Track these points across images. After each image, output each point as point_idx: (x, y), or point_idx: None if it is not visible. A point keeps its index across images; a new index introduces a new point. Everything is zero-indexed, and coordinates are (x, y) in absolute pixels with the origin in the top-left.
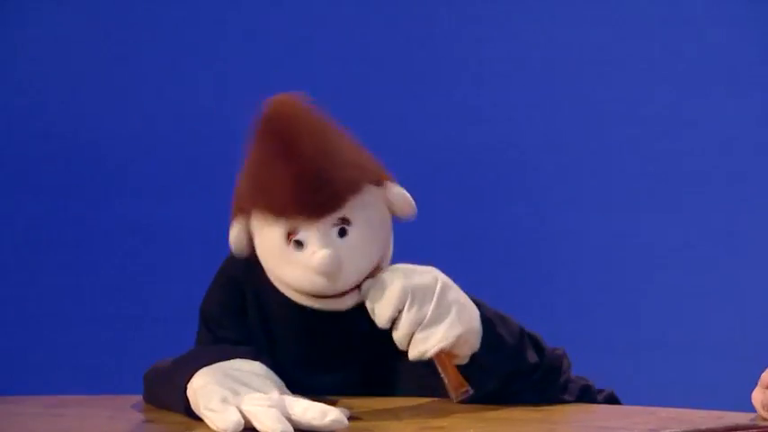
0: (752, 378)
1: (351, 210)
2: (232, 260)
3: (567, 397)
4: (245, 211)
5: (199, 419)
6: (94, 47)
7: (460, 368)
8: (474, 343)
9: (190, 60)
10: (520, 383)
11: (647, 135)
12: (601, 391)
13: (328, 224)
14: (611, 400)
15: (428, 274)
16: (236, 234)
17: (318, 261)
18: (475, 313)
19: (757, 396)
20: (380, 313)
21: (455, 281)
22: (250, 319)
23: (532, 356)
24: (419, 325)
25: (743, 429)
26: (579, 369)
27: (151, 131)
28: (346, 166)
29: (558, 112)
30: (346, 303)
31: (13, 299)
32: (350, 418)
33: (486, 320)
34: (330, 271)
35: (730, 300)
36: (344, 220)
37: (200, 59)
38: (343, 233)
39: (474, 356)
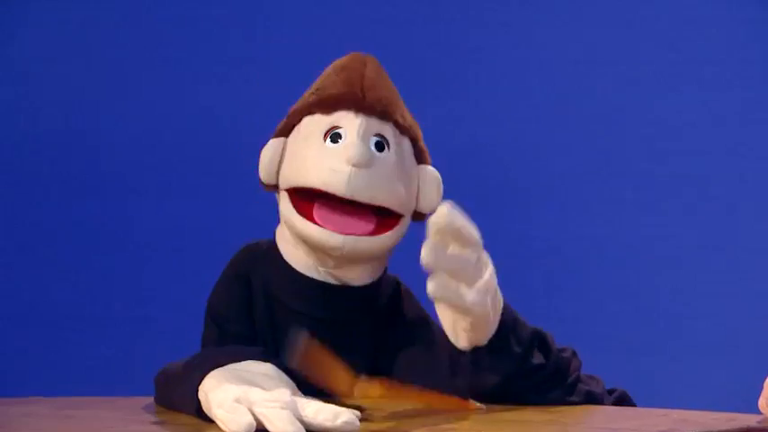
0: (763, 381)
1: (392, 137)
2: (239, 255)
3: (573, 398)
4: (290, 129)
5: (210, 421)
6: (97, 46)
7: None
8: (481, 336)
9: (194, 60)
10: (521, 384)
11: (657, 136)
12: (612, 390)
13: (370, 128)
14: (623, 399)
15: None
16: (270, 150)
17: (351, 149)
18: (498, 312)
19: (763, 402)
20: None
21: None
22: (256, 311)
23: (538, 359)
24: (461, 269)
25: (754, 431)
26: (591, 370)
27: (156, 131)
28: (402, 105)
29: (565, 114)
30: (360, 276)
31: (23, 300)
32: (361, 420)
33: (501, 323)
34: (360, 160)
35: (743, 301)
36: (384, 139)
37: (203, 60)
38: (380, 147)
39: (476, 353)
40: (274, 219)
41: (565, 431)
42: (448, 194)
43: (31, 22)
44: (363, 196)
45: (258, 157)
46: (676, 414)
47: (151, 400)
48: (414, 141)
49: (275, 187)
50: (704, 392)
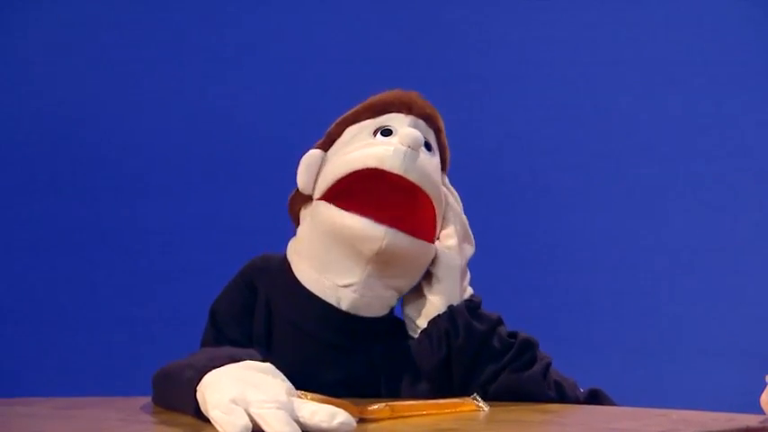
0: (763, 380)
1: (434, 146)
2: (251, 265)
3: (548, 392)
4: (330, 141)
5: (208, 421)
6: (103, 47)
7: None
8: (448, 297)
9: (201, 61)
10: (485, 362)
11: (657, 137)
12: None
13: (419, 128)
14: (596, 396)
15: None
16: (309, 160)
17: (407, 131)
18: (465, 289)
19: (765, 399)
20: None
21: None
22: (256, 323)
23: (502, 338)
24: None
25: (753, 431)
26: (591, 371)
27: (164, 133)
28: (444, 131)
29: (568, 115)
30: (373, 308)
31: (23, 301)
32: (358, 421)
33: (467, 300)
34: (417, 143)
35: (742, 302)
36: (428, 143)
37: (207, 59)
38: (428, 147)
39: (436, 320)
40: (276, 219)
41: (565, 431)
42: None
43: (34, 20)
44: (415, 176)
45: (251, 159)
46: (676, 414)
47: (149, 400)
48: (443, 163)
49: (308, 200)
50: (703, 392)
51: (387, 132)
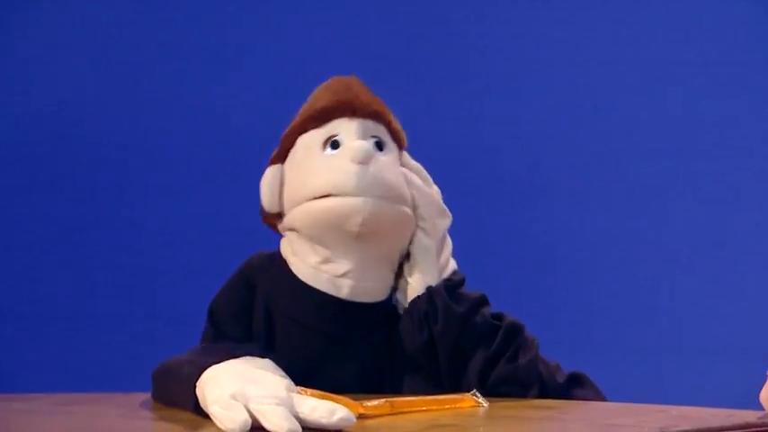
0: (762, 376)
1: (387, 139)
2: (249, 262)
3: (539, 379)
4: (284, 154)
5: (208, 417)
6: (103, 46)
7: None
8: (428, 277)
9: (200, 60)
10: (472, 345)
11: (660, 136)
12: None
13: (367, 131)
14: (577, 380)
15: None
16: (269, 179)
17: (354, 147)
18: (446, 267)
19: (765, 395)
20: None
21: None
22: (255, 320)
23: (484, 315)
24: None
25: (753, 427)
26: (590, 368)
27: (161, 130)
28: (393, 114)
29: (569, 113)
30: (372, 291)
31: (23, 297)
32: (358, 417)
33: (447, 280)
34: (364, 156)
35: (740, 299)
36: (381, 140)
37: (208, 58)
38: (379, 147)
39: (417, 301)
40: None
41: (565, 427)
42: (447, 192)
43: (33, 19)
44: (372, 191)
45: (251, 157)
46: (675, 410)
47: (149, 396)
48: (399, 143)
49: (278, 216)
50: (703, 389)
51: (335, 144)
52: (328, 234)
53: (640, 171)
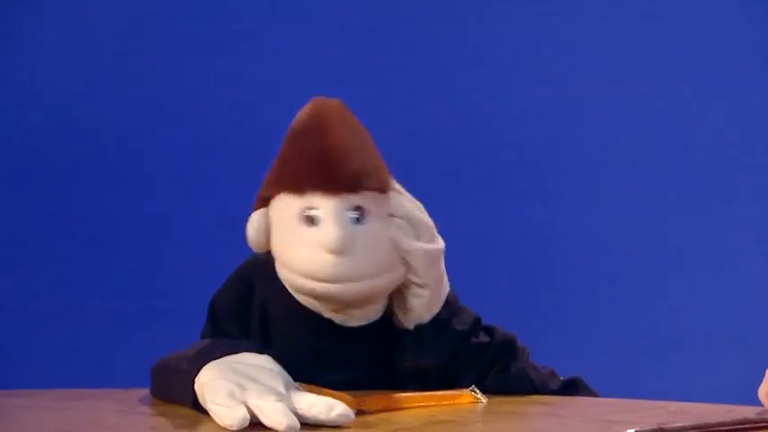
0: (761, 372)
1: (370, 202)
2: (250, 261)
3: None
4: (267, 199)
5: (206, 413)
6: (105, 41)
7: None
8: (424, 311)
9: (202, 54)
10: (463, 361)
11: (659, 133)
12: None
13: (345, 206)
14: (572, 385)
15: None
16: (255, 224)
17: (329, 236)
18: (444, 293)
19: (763, 391)
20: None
21: (465, 280)
22: (252, 318)
23: (481, 338)
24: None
25: (752, 423)
26: (588, 364)
27: (160, 126)
28: (375, 162)
29: (568, 110)
30: (361, 318)
31: (22, 294)
32: (356, 413)
33: (445, 303)
34: (340, 248)
35: (739, 295)
36: (361, 210)
37: (210, 54)
38: (358, 220)
39: (418, 329)
40: None
41: (563, 423)
42: (447, 189)
43: (35, 14)
44: (350, 277)
45: (251, 155)
46: (674, 406)
47: (147, 392)
48: (384, 183)
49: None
50: (702, 384)
51: (311, 220)
52: (309, 299)
53: (640, 167)
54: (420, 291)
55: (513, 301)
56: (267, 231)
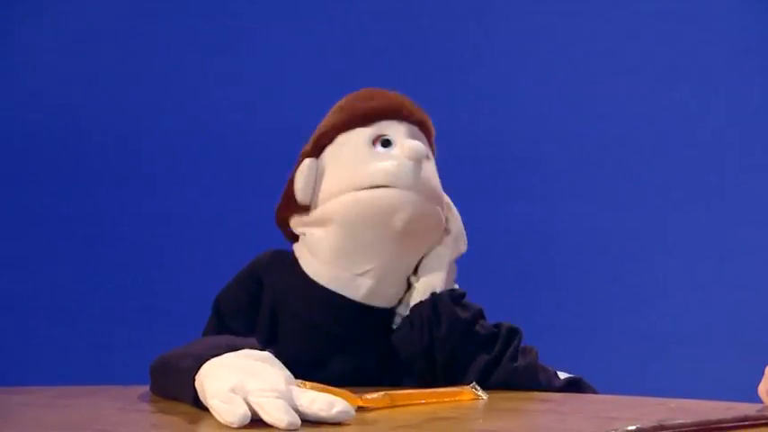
0: (761, 370)
1: (428, 150)
2: (260, 258)
3: (541, 381)
4: (320, 148)
5: (207, 410)
6: (105, 40)
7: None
8: (433, 284)
9: (202, 54)
10: (473, 350)
11: (660, 131)
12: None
13: (415, 136)
14: (574, 384)
15: None
16: (305, 171)
17: (411, 144)
18: (452, 277)
19: (763, 388)
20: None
21: (465, 279)
22: (261, 316)
23: (487, 327)
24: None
25: (752, 420)
26: (589, 361)
27: (162, 125)
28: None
29: (568, 109)
30: (386, 297)
31: (22, 290)
32: (357, 410)
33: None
34: (421, 154)
35: (739, 292)
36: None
37: (210, 54)
38: (426, 156)
39: (434, 299)
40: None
41: (564, 420)
42: (447, 188)
43: (32, 11)
44: (426, 189)
45: (253, 152)
46: (674, 403)
47: (147, 389)
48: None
49: (303, 210)
50: (702, 381)
51: (386, 143)
52: (368, 227)
53: (641, 166)
54: (444, 250)
55: (513, 299)
56: (314, 182)
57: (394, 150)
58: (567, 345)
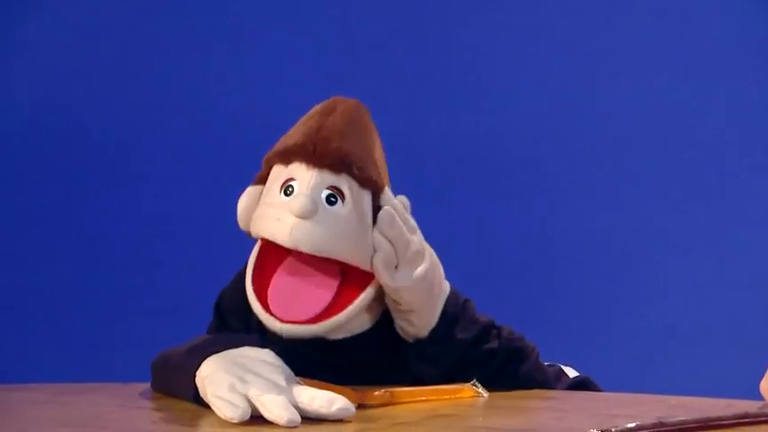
0: (761, 367)
1: (348, 189)
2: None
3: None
4: (264, 177)
5: (207, 407)
6: (105, 40)
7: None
8: (420, 327)
9: (202, 54)
10: (470, 370)
11: (659, 130)
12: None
13: (322, 181)
14: (581, 385)
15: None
16: (244, 199)
17: (295, 201)
18: (439, 305)
19: (765, 385)
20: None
21: (466, 277)
22: (253, 315)
23: (488, 346)
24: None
25: (752, 417)
26: (589, 358)
27: (162, 124)
28: (370, 157)
29: (566, 106)
30: (351, 330)
31: (22, 287)
32: (357, 407)
33: (442, 314)
34: (303, 212)
35: (740, 290)
36: (339, 192)
37: (210, 54)
38: (331, 201)
39: (418, 343)
40: None
41: (564, 417)
42: (447, 187)
43: (32, 8)
44: (306, 246)
45: (254, 149)
46: (674, 400)
47: (148, 386)
48: (375, 195)
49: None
50: (703, 379)
51: (288, 189)
52: None
53: (641, 165)
54: (408, 315)
55: (513, 296)
56: (252, 210)
57: (288, 202)
58: (567, 342)
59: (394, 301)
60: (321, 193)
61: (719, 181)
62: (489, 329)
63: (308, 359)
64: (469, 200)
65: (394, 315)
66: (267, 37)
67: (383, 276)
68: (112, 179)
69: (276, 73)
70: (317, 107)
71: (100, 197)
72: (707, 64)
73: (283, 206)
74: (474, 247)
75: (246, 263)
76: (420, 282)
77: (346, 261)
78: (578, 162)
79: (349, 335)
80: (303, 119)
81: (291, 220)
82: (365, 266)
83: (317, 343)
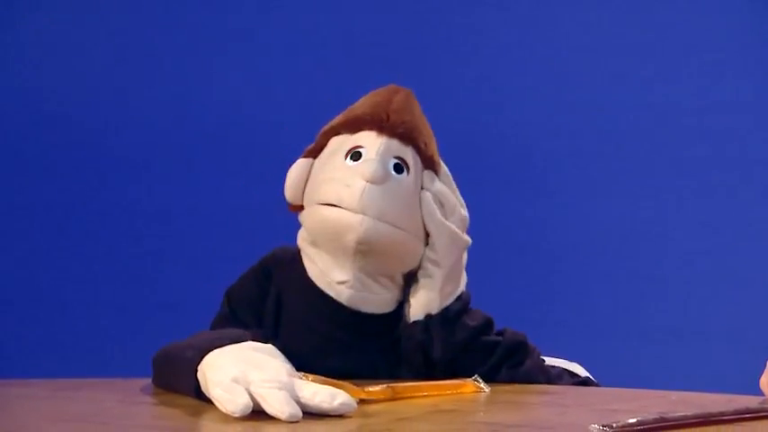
0: (762, 363)
1: (413, 162)
2: (270, 254)
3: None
4: (318, 148)
5: (209, 402)
6: (106, 37)
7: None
8: (434, 298)
9: (202, 54)
10: (473, 358)
11: (658, 128)
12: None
13: (390, 150)
14: (583, 384)
15: None
16: (294, 171)
17: (368, 166)
18: (459, 287)
19: (765, 381)
20: None
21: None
22: (266, 311)
23: (492, 336)
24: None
25: (753, 413)
26: (590, 353)
27: (163, 122)
28: (429, 136)
29: (566, 104)
30: (377, 304)
31: (21, 283)
32: (359, 402)
33: (457, 298)
34: (376, 177)
35: (740, 286)
36: (404, 162)
37: (210, 54)
38: (399, 169)
39: (428, 319)
40: (281, 206)
41: (564, 412)
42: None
43: (33, 6)
44: (372, 212)
45: (255, 147)
46: (675, 395)
47: (149, 381)
48: (432, 165)
49: (300, 207)
50: (703, 374)
51: (356, 155)
52: (326, 241)
53: (641, 163)
54: (432, 269)
55: (513, 293)
56: (305, 182)
57: (358, 166)
58: (568, 339)
59: (428, 251)
60: (390, 161)
61: (720, 180)
62: (494, 325)
63: (337, 337)
64: (469, 200)
65: (413, 286)
66: (267, 37)
67: (432, 213)
68: (111, 175)
69: (277, 73)
70: (378, 90)
71: (99, 193)
72: (707, 62)
73: (352, 170)
74: (474, 247)
75: (261, 258)
76: (458, 239)
77: (402, 230)
78: (578, 161)
79: (378, 311)
80: (365, 97)
81: (361, 184)
82: (415, 241)
83: (349, 320)
